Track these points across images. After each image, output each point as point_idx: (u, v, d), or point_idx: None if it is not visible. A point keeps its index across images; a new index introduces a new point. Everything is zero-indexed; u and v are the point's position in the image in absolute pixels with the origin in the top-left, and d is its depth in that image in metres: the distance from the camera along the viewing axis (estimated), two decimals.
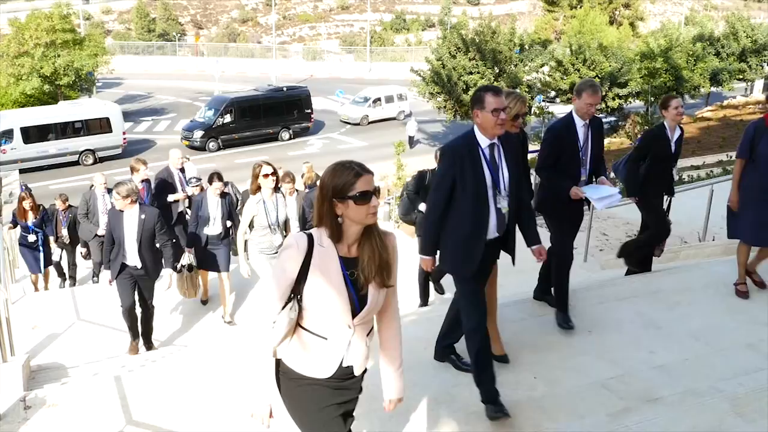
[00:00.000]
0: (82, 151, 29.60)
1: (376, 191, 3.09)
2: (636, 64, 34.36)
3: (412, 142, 33.36)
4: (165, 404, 5.20)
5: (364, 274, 3.11)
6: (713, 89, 40.29)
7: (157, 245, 7.76)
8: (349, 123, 37.77)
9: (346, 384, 3.27)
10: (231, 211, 8.95)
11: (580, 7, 65.86)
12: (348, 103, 39.61)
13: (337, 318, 3.11)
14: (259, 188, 7.29)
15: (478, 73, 29.76)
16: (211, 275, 9.42)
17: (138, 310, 7.88)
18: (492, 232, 4.70)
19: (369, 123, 37.39)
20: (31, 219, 10.98)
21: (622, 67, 32.73)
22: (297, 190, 9.90)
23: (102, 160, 29.74)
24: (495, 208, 4.64)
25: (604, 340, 5.75)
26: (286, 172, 9.53)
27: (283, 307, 3.10)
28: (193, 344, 8.20)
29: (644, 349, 5.61)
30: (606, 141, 34.01)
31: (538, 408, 4.78)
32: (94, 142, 29.78)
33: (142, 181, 10.03)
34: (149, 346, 8.03)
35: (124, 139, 30.84)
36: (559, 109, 35.14)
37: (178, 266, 8.78)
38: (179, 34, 78.90)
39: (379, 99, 38.44)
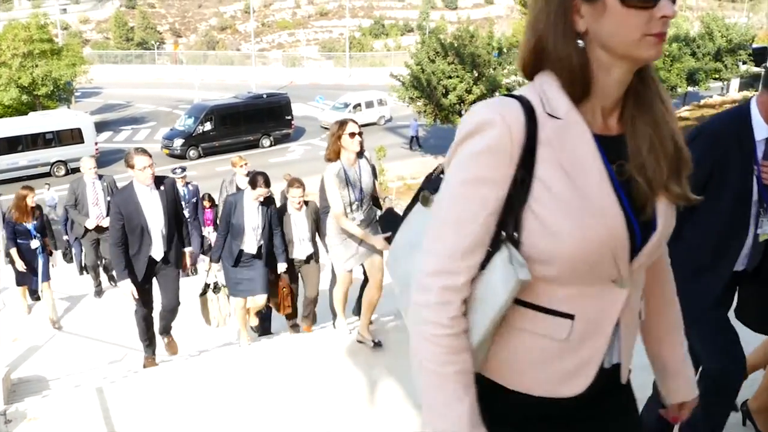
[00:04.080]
0: (54, 162, 29.39)
1: None
2: None
3: (413, 142, 33.93)
4: (148, 416, 5.14)
5: (647, 172, 1.53)
6: (690, 89, 40.71)
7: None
8: (329, 129, 37.60)
9: (609, 408, 1.69)
10: (273, 222, 6.89)
11: None
12: (328, 109, 39.53)
13: (600, 266, 1.50)
14: (338, 153, 5.67)
15: (458, 77, 29.87)
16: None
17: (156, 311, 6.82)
18: (739, 264, 3.16)
19: None
20: (29, 219, 8.90)
21: None
22: (306, 202, 7.35)
23: (74, 171, 29.20)
24: (753, 232, 3.10)
25: None
26: (293, 178, 7.44)
27: (484, 265, 1.51)
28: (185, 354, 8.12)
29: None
30: None
31: None
32: (65, 153, 29.50)
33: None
34: (170, 339, 6.98)
35: (97, 149, 30.50)
36: None
37: (202, 288, 7.17)
38: (158, 43, 78.63)
39: (359, 104, 38.39)
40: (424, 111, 31.43)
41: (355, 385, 5.22)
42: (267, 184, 6.71)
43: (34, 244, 8.86)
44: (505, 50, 32.49)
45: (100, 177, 9.33)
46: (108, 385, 5.71)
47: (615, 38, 1.44)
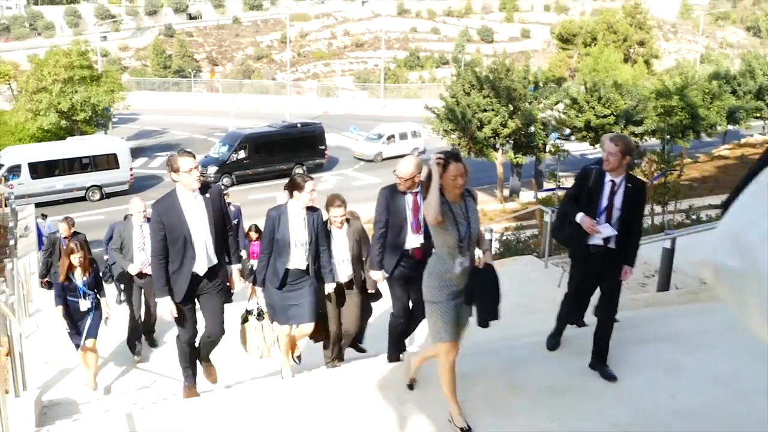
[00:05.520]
0: (89, 187, 29.89)
1: None
2: (651, 102, 34.43)
3: None
4: None
5: None
6: (730, 127, 40.19)
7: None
8: (363, 159, 37.93)
9: None
10: (320, 236, 6.35)
11: (594, 45, 66.30)
12: (362, 140, 39.83)
13: None
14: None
15: (493, 110, 29.88)
16: None
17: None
18: None
19: (383, 160, 37.46)
20: (80, 277, 7.87)
21: (638, 105, 32.80)
22: (348, 220, 6.86)
23: (109, 195, 30.00)
24: None
25: (623, 383, 5.67)
26: (334, 195, 6.80)
27: None
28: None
29: (664, 393, 5.54)
30: None
31: None
32: (100, 177, 30.06)
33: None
34: (208, 365, 6.48)
35: (131, 174, 31.15)
36: (574, 147, 35.17)
37: (242, 314, 6.65)
38: (195, 71, 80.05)
39: (393, 136, 38.60)
40: (459, 144, 31.46)
41: (384, 421, 5.19)
42: (306, 179, 6.19)
43: (84, 305, 7.87)
44: (541, 84, 32.51)
45: (149, 220, 8.29)
46: (138, 412, 5.75)
47: None
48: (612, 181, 5.67)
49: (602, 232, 5.57)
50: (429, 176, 4.63)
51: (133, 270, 8.63)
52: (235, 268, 6.21)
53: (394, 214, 6.08)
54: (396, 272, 6.14)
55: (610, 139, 5.72)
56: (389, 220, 6.07)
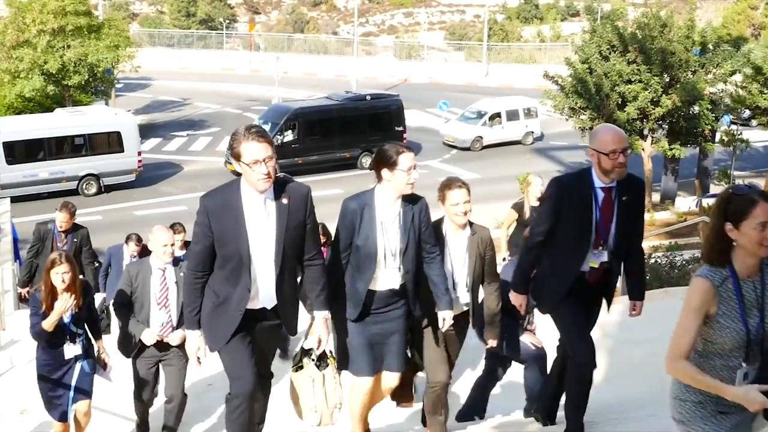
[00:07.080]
0: (83, 176, 30.22)
1: None
2: None
3: None
4: None
5: None
6: None
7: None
8: (455, 147, 37.97)
9: None
10: (423, 231, 5.71)
11: None
12: (455, 120, 39.81)
13: None
14: (728, 253, 3.90)
15: (641, 81, 29.39)
16: None
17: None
18: None
19: (483, 147, 37.54)
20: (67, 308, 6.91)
21: None
22: (471, 223, 6.28)
23: (109, 189, 30.45)
24: None
25: None
26: (451, 178, 6.25)
27: None
28: None
29: None
30: None
31: None
32: (99, 164, 30.39)
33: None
34: None
35: (140, 161, 31.37)
36: (756, 136, 34.34)
37: (296, 355, 5.74)
38: (228, 21, 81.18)
39: (498, 114, 38.55)
40: (591, 128, 31.07)
41: None
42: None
43: (69, 351, 7.12)
44: (710, 47, 31.87)
45: (176, 261, 7.75)
46: None
47: None
48: None
49: None
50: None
51: (148, 338, 7.52)
52: (321, 318, 5.46)
53: (571, 216, 5.59)
54: (567, 300, 5.71)
55: None
56: (563, 222, 5.59)
